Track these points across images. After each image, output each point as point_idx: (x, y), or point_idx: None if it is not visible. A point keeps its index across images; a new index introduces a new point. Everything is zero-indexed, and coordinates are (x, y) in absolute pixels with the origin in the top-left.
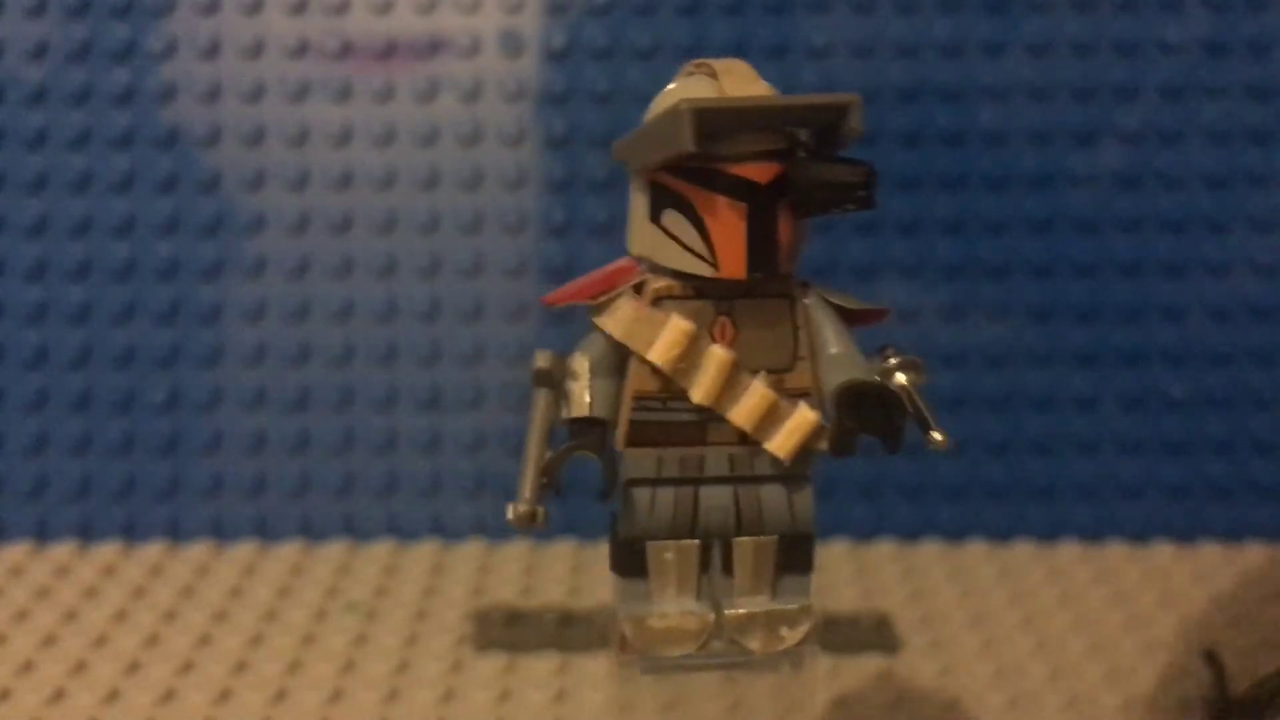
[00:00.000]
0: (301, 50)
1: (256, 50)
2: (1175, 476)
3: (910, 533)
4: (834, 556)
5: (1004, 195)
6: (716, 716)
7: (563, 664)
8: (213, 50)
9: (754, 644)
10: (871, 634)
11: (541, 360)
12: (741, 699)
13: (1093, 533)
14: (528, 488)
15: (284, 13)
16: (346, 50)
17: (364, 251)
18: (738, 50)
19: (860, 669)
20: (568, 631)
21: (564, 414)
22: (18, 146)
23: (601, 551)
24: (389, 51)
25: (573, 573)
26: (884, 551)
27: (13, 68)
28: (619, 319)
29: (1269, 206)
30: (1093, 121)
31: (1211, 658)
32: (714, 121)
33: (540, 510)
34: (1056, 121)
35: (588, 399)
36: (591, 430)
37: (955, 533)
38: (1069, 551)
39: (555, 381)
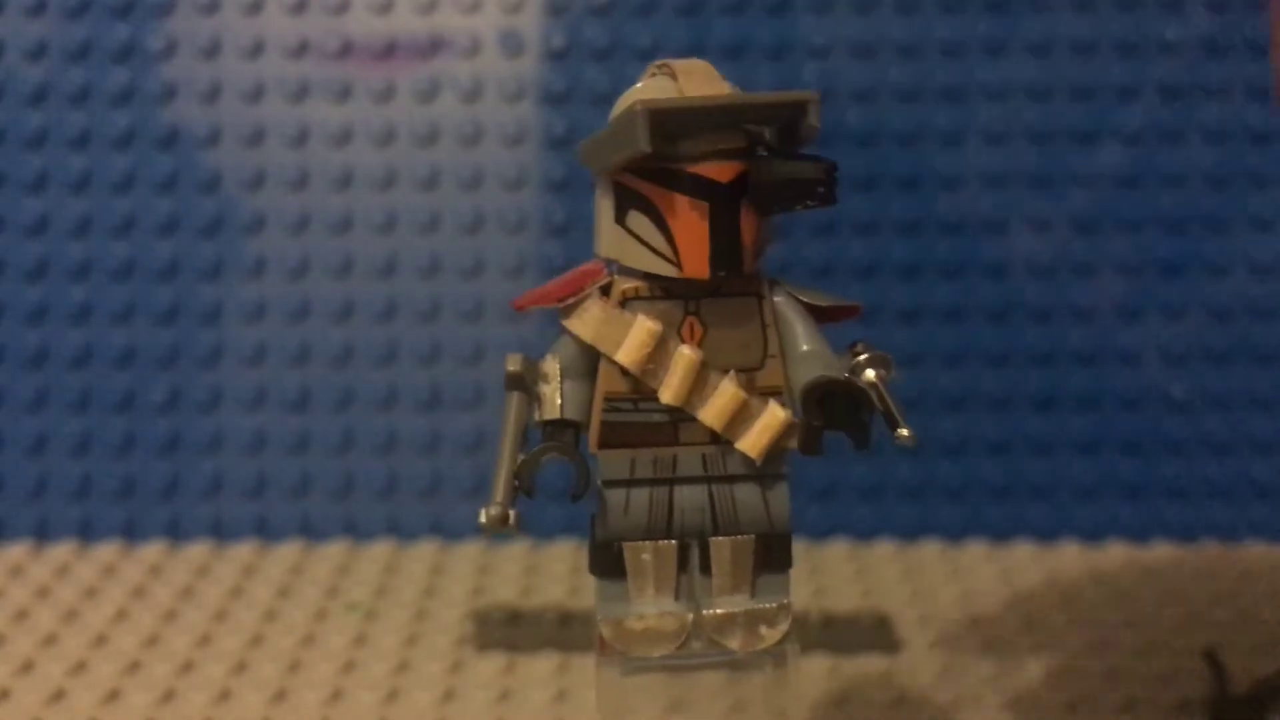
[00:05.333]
0: (301, 50)
1: (256, 50)
2: (1175, 476)
3: (910, 533)
4: (834, 556)
5: (1004, 195)
6: (709, 717)
7: (563, 664)
8: (213, 50)
9: (733, 643)
10: (871, 634)
11: (513, 364)
12: (739, 701)
13: (1093, 533)
14: (500, 491)
15: (284, 13)
16: (346, 50)
17: (364, 251)
18: (737, 50)
19: (860, 669)
20: (568, 631)
21: (536, 417)
22: (18, 146)
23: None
24: (389, 51)
25: (573, 573)
26: (884, 551)
27: (13, 68)
28: (587, 321)
29: (1269, 206)
30: (1093, 121)
31: (1211, 658)
32: (670, 122)
33: (513, 513)
34: (1056, 121)
35: (559, 401)
36: (563, 432)
37: (955, 533)
38: (1069, 551)
39: (527, 385)
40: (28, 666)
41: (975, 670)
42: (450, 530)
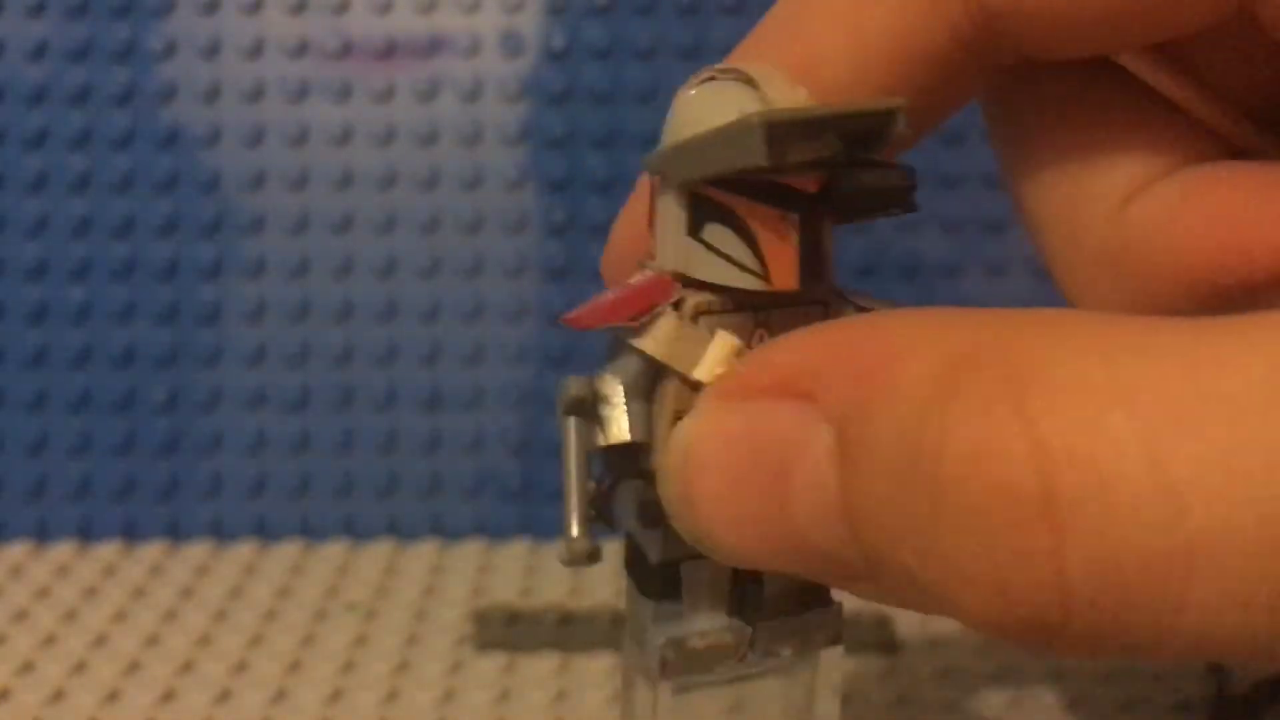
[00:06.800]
0: (301, 50)
1: (256, 50)
2: None
3: None
4: None
5: (1003, 195)
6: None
7: (563, 664)
8: (213, 50)
9: (787, 649)
10: (871, 634)
11: (576, 388)
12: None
13: None
14: (576, 524)
15: (284, 13)
16: (346, 50)
17: (364, 251)
18: None
19: (860, 669)
20: (568, 631)
21: (599, 441)
22: (18, 146)
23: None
24: (389, 51)
25: (573, 573)
26: None
27: (13, 68)
28: (659, 339)
29: None
30: None
31: None
32: (785, 134)
33: (597, 546)
34: None
35: (626, 423)
36: (633, 455)
37: None
38: None
39: (588, 409)
40: (28, 666)
41: (975, 670)
42: (450, 530)
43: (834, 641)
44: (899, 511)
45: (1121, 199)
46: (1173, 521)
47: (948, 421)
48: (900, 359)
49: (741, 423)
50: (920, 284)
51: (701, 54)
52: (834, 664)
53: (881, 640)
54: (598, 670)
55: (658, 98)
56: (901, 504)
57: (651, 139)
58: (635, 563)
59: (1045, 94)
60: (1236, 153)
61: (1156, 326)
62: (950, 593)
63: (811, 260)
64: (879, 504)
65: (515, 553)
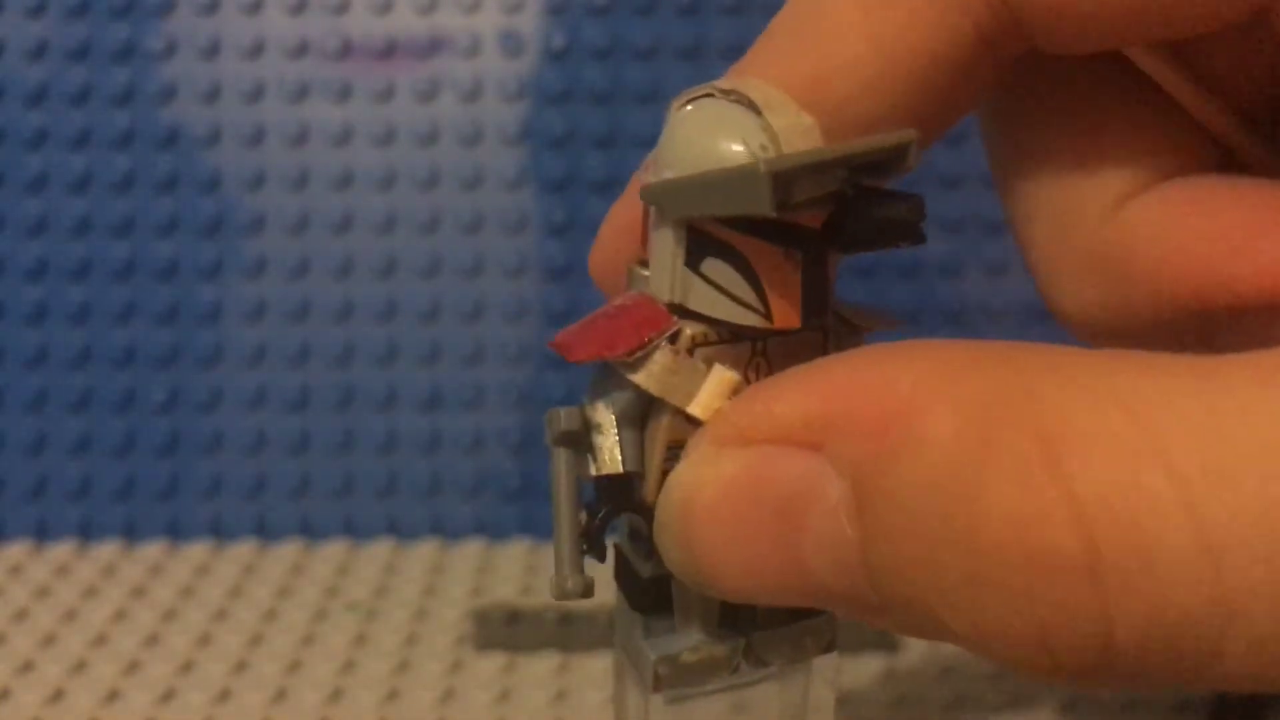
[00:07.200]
0: (301, 50)
1: (256, 50)
2: None
3: None
4: None
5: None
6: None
7: (563, 664)
8: (213, 50)
9: (780, 659)
10: (871, 634)
11: (565, 420)
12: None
13: None
14: (569, 560)
15: (284, 13)
16: (346, 50)
17: (364, 251)
18: (737, 51)
19: (860, 669)
20: (568, 631)
21: (591, 471)
22: (18, 146)
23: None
24: (389, 51)
25: None
26: None
27: (13, 68)
28: (653, 372)
29: None
30: None
31: None
32: (791, 181)
33: (590, 582)
34: None
35: (619, 454)
36: (626, 486)
37: None
38: None
39: (579, 439)
40: (28, 666)
41: (975, 670)
42: (450, 530)
43: (828, 649)
44: (929, 568)
45: (1114, 201)
46: (1210, 578)
47: (982, 486)
48: (919, 413)
49: (742, 470)
50: (920, 284)
51: (701, 54)
52: (828, 669)
53: (881, 640)
54: (598, 670)
55: (658, 98)
56: (933, 562)
57: (651, 139)
58: (625, 576)
59: (1043, 91)
60: (1233, 158)
61: (1172, 369)
62: (986, 643)
63: (815, 297)
64: (906, 561)
65: (515, 553)
